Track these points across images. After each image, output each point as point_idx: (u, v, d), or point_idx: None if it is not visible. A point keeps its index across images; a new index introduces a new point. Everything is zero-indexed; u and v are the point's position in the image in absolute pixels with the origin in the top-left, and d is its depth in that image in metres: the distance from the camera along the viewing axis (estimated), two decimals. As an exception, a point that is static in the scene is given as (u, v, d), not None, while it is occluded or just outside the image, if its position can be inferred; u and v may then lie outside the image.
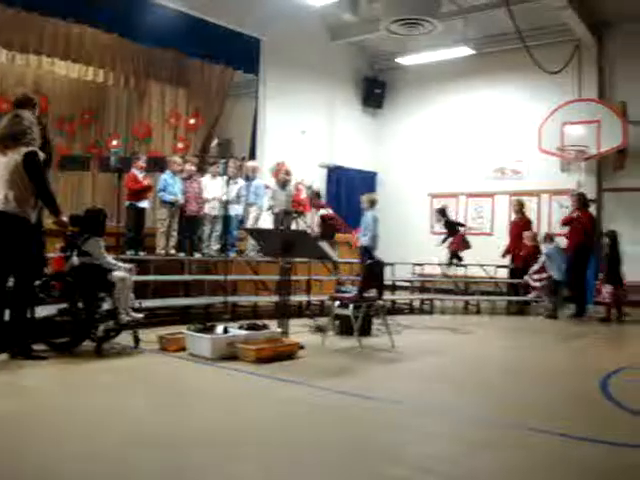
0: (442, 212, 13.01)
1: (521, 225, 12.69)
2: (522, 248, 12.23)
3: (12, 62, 13.00)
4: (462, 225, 13.22)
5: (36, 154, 5.84)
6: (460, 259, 12.59)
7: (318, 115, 15.53)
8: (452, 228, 12.76)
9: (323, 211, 12.28)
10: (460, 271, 13.01)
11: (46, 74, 13.83)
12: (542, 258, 11.60)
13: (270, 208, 11.18)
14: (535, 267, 11.67)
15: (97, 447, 3.57)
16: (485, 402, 5.05)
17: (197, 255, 10.25)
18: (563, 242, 11.79)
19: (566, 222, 11.69)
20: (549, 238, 11.79)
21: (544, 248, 11.74)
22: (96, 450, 3.52)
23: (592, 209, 12.26)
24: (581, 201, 11.61)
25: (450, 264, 12.58)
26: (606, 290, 10.84)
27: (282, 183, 11.22)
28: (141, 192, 9.93)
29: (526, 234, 12.22)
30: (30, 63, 13.09)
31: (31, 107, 6.46)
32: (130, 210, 9.84)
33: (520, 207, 12.94)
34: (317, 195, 12.61)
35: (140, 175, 9.98)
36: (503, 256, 12.70)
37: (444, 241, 12.62)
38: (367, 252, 10.67)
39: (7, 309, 5.86)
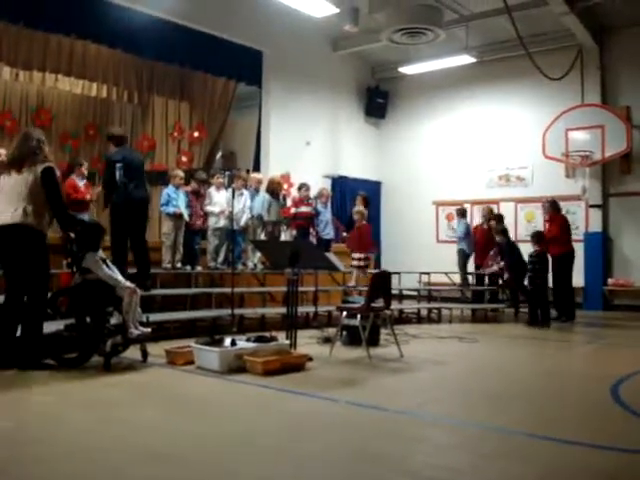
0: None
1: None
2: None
3: (16, 79, 13.06)
4: None
5: (53, 170, 5.96)
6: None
7: (321, 126, 15.55)
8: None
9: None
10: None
11: (50, 90, 13.89)
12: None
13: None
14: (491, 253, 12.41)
15: (106, 463, 3.55)
16: (495, 411, 5.01)
17: (198, 268, 10.23)
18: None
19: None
20: (461, 214, 13.09)
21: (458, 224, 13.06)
22: (105, 466, 3.50)
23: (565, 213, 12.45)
24: (554, 207, 11.69)
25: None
26: (506, 277, 11.90)
27: (278, 195, 11.24)
28: (82, 203, 9.57)
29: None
30: (34, 79, 13.15)
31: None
32: None
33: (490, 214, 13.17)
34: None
35: (81, 183, 9.58)
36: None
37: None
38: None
39: (20, 324, 5.94)
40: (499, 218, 12.66)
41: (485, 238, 12.72)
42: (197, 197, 10.37)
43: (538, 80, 13.38)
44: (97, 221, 7.35)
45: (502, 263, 11.93)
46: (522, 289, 11.41)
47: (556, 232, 11.33)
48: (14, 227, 5.86)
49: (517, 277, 11.46)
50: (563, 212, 12.06)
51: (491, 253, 12.35)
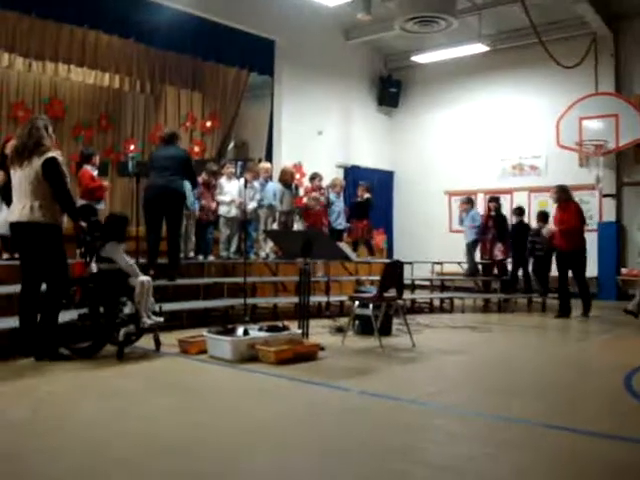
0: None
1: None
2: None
3: (29, 70, 13.09)
4: None
5: (55, 160, 5.89)
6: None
7: (334, 115, 15.53)
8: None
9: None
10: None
11: (63, 81, 13.90)
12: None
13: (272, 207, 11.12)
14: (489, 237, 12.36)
15: (120, 455, 3.57)
16: (508, 401, 4.99)
17: (211, 258, 10.26)
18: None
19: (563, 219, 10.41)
20: (470, 202, 12.91)
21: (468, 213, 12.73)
22: (119, 459, 3.52)
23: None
24: (567, 193, 10.47)
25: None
26: (497, 248, 12.04)
27: (290, 185, 11.28)
28: (97, 190, 9.39)
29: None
30: (46, 70, 13.18)
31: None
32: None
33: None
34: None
35: (94, 173, 9.49)
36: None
37: None
38: None
39: (38, 314, 5.99)
40: (495, 200, 12.65)
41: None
42: (208, 188, 10.37)
43: (551, 68, 13.31)
44: (123, 213, 7.38)
45: (499, 245, 12.02)
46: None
47: (572, 222, 10.13)
48: (23, 225, 5.89)
49: (517, 257, 11.88)
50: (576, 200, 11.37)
51: (489, 237, 12.28)
